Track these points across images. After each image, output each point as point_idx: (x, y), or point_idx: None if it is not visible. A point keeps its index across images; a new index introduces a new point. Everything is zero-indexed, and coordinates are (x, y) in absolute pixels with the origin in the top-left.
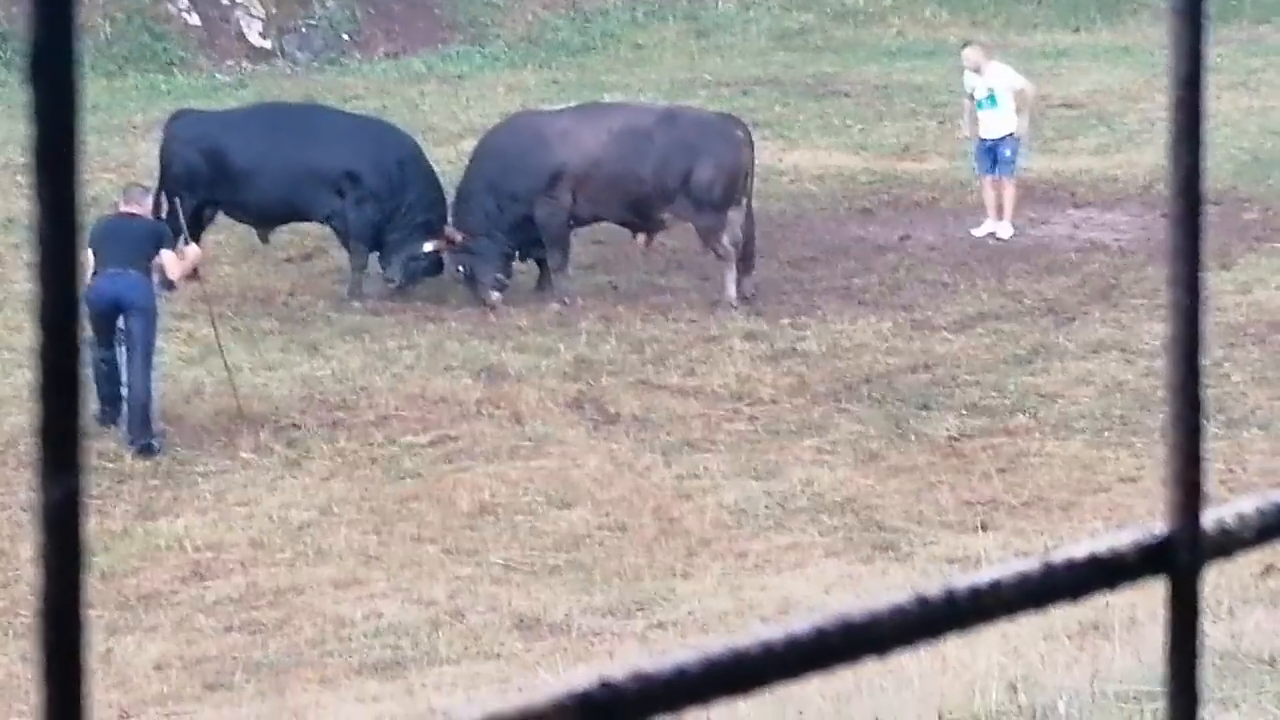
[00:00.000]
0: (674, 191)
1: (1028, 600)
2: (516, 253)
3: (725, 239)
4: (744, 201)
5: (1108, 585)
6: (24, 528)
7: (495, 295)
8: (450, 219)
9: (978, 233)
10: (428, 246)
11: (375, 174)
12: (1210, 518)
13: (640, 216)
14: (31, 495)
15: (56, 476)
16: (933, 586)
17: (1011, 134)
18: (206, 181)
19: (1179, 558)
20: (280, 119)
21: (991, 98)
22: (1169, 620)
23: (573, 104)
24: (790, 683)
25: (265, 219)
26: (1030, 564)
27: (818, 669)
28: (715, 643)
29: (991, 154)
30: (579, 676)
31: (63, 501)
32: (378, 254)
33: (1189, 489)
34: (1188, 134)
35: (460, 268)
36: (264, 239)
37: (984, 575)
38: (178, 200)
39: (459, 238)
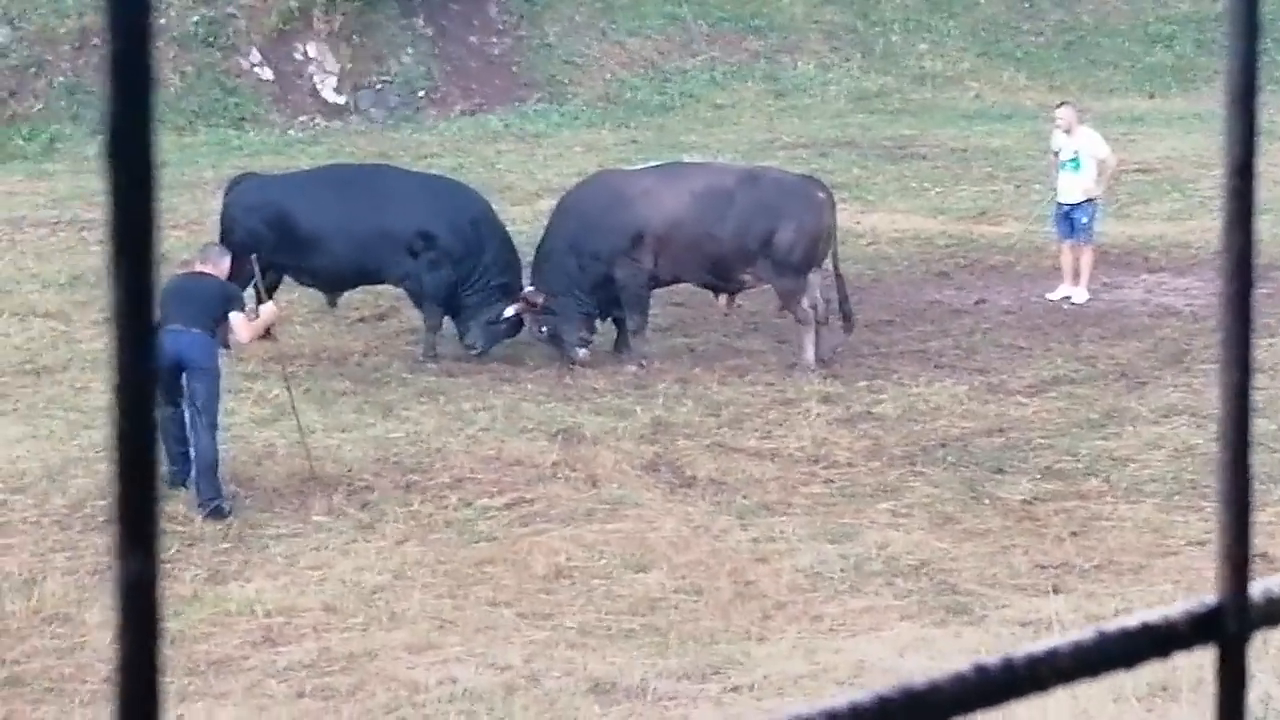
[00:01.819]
0: (754, 253)
1: (1083, 669)
2: (598, 312)
3: (805, 302)
4: (824, 264)
5: (1160, 653)
6: (90, 592)
7: (583, 353)
8: (530, 278)
9: (1053, 297)
10: (509, 311)
11: (450, 234)
12: (1258, 588)
13: (720, 278)
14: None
15: (133, 553)
16: (991, 657)
17: (1090, 200)
18: (271, 247)
19: (1228, 626)
20: (347, 180)
21: (1075, 161)
22: (1218, 686)
23: (654, 163)
24: None
25: (336, 284)
26: (1086, 633)
27: None
28: (781, 713)
29: (1069, 219)
30: None
31: (139, 579)
32: (452, 317)
33: (1237, 561)
34: (1240, 220)
35: (543, 329)
36: (332, 303)
37: (1041, 645)
38: (254, 258)
39: (540, 300)
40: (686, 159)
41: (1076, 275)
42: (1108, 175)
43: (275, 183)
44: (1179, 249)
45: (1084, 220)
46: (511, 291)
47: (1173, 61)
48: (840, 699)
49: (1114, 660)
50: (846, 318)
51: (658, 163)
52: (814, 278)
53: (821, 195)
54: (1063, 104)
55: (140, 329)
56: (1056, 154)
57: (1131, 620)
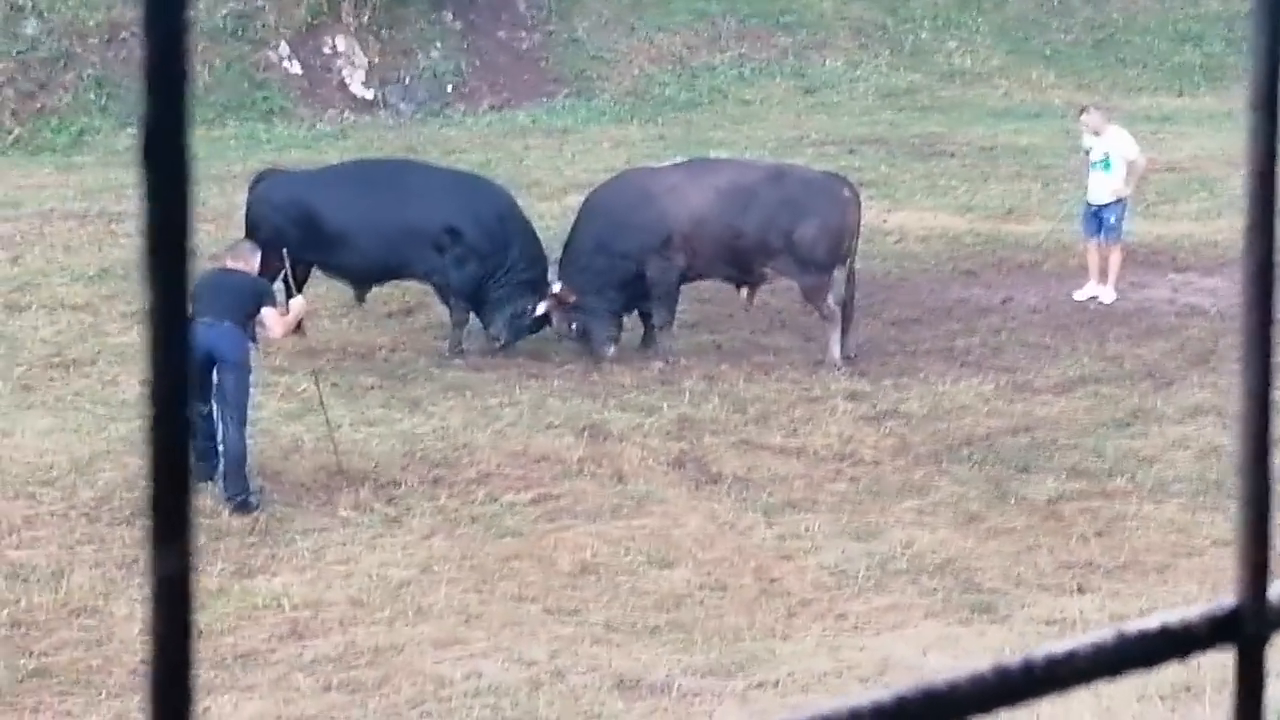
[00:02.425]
0: (777, 249)
1: (1101, 669)
2: (624, 309)
3: (830, 299)
4: (848, 261)
5: (1178, 655)
6: (117, 585)
7: (611, 351)
8: (558, 276)
9: (1079, 296)
10: (540, 308)
11: (476, 230)
12: (1277, 590)
13: (742, 272)
14: (126, 553)
15: (166, 552)
16: (1011, 657)
17: (1119, 200)
18: (297, 244)
19: (1246, 628)
20: (372, 176)
21: (1106, 162)
22: (1236, 688)
23: (680, 160)
24: None
25: (362, 279)
26: (1104, 634)
27: None
28: (801, 712)
29: (1098, 219)
30: None
31: (172, 577)
32: (477, 311)
33: (1256, 563)
34: (1261, 226)
35: (572, 325)
36: (360, 299)
37: (1060, 645)
38: (285, 253)
39: (572, 298)
40: (713, 155)
41: (1104, 274)
42: (1136, 176)
43: (300, 179)
44: (1206, 248)
45: (1112, 220)
46: (538, 286)
47: (1202, 60)
48: (862, 698)
49: (1133, 661)
50: (846, 319)
51: (683, 159)
52: (839, 274)
53: (846, 192)
54: (1085, 109)
55: (174, 329)
56: (1088, 153)
57: (1150, 622)
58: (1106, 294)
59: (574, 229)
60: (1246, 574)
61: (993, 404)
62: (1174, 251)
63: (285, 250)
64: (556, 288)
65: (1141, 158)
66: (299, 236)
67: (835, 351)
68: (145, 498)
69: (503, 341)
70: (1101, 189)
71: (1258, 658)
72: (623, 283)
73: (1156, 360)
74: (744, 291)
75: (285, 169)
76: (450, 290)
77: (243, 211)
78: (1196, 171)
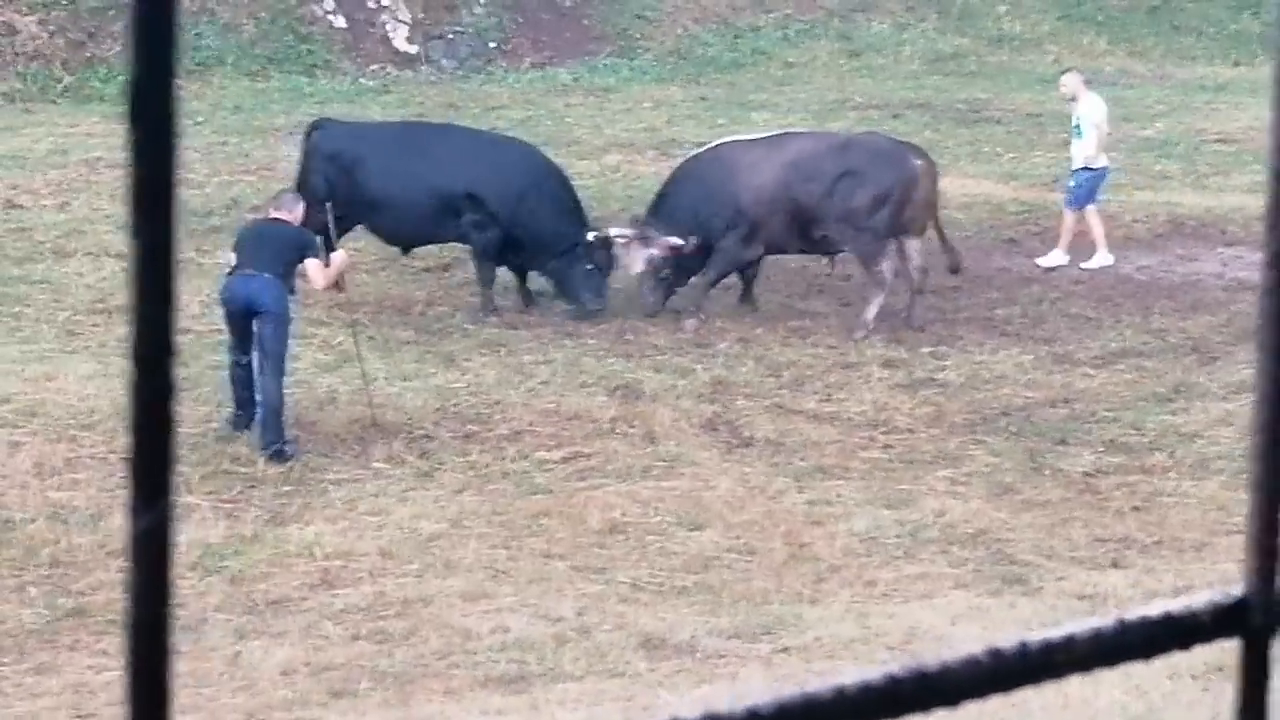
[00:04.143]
0: (833, 216)
1: (1100, 657)
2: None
3: (884, 265)
4: (924, 232)
5: (1181, 645)
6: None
7: (691, 324)
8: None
9: (1088, 266)
10: (655, 250)
11: (499, 196)
12: None
13: (806, 241)
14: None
15: (145, 505)
16: (1008, 639)
17: (1085, 167)
18: (344, 200)
19: (1253, 619)
20: (415, 140)
21: (1077, 128)
22: (1240, 679)
23: (769, 133)
24: None
25: (396, 242)
26: (1105, 621)
27: (888, 716)
28: (789, 687)
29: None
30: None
31: (150, 531)
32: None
33: (1264, 554)
34: None
35: (663, 274)
36: (404, 250)
37: (1059, 631)
38: (329, 205)
39: (686, 245)
40: (755, 117)
41: (1094, 239)
42: (1101, 144)
43: (353, 132)
44: (1257, 222)
45: (1071, 184)
46: (575, 246)
47: (1260, 29)
48: (852, 676)
49: (1133, 650)
50: (954, 269)
51: (773, 132)
52: (912, 245)
53: (918, 162)
54: (1065, 71)
55: (159, 271)
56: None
57: (1153, 609)
58: (1056, 258)
59: (662, 194)
60: (1254, 564)
61: (1032, 375)
62: (1224, 225)
63: (329, 204)
64: (676, 240)
65: (1104, 125)
66: (345, 190)
67: (871, 314)
68: (127, 452)
69: (598, 306)
70: (1074, 155)
71: (1264, 649)
72: (705, 253)
73: (1202, 335)
74: (825, 260)
75: (339, 120)
76: (473, 253)
77: (285, 163)
78: (1250, 143)
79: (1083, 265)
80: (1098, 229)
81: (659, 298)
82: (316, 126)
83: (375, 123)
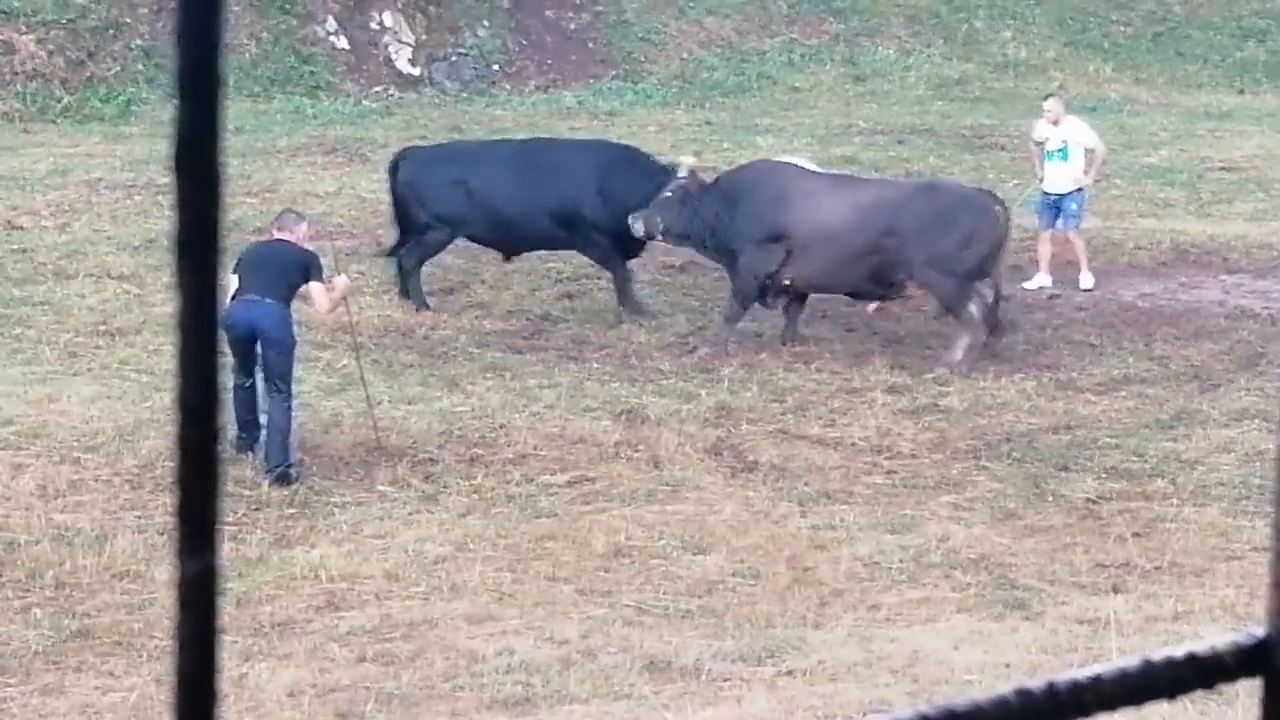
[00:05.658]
0: (921, 261)
1: (1127, 697)
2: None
3: (972, 307)
4: (994, 274)
5: (1205, 685)
6: (159, 550)
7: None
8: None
9: (1029, 287)
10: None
11: (594, 203)
12: None
13: (877, 284)
14: (168, 519)
15: (193, 552)
16: (1035, 681)
17: (1080, 189)
18: (470, 219)
19: (1276, 659)
20: (516, 155)
21: (1064, 151)
22: (1263, 718)
23: (826, 171)
24: None
25: (513, 251)
26: (1130, 661)
27: None
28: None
29: (1055, 209)
30: None
31: (199, 576)
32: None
33: None
34: None
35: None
36: (508, 259)
37: (1085, 671)
38: (329, 231)
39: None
40: (760, 141)
41: (1065, 264)
42: (1097, 165)
43: (445, 153)
44: (1260, 250)
45: (1074, 208)
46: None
47: (1265, 57)
48: (882, 717)
49: (1158, 690)
50: (995, 328)
51: (834, 171)
52: (984, 287)
53: (998, 208)
54: (1049, 96)
55: (204, 316)
56: (1040, 144)
57: (1178, 650)
58: (1085, 280)
59: (705, 198)
60: (1277, 603)
61: (1034, 401)
62: (1226, 252)
63: (329, 234)
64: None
65: (1101, 145)
66: (469, 210)
67: (958, 354)
68: (175, 501)
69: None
70: (1061, 178)
71: None
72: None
73: (1204, 362)
74: (872, 306)
75: (424, 146)
76: (598, 262)
77: (287, 185)
78: (1253, 171)
79: (1023, 285)
80: (1046, 251)
81: (775, 304)
82: (404, 156)
83: (462, 143)
